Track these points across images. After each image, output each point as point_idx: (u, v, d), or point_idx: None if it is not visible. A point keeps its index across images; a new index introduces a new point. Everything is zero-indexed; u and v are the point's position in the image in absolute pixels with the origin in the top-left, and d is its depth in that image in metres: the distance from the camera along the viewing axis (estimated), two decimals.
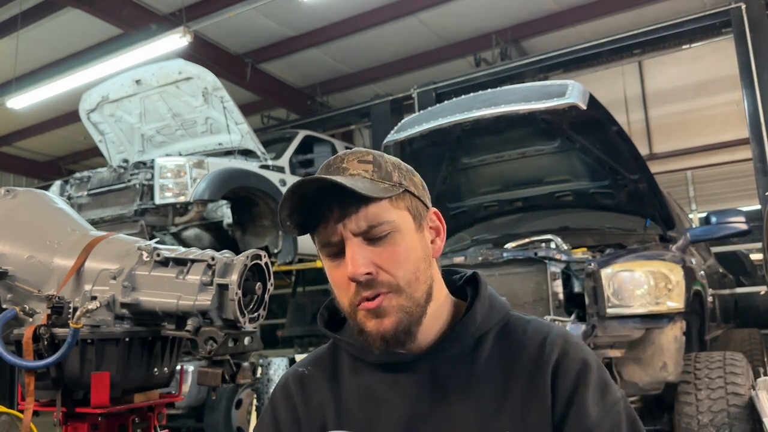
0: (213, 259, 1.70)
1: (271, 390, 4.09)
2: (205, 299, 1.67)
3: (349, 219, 0.96)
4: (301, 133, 6.95)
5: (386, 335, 0.97)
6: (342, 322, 1.13)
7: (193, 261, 1.73)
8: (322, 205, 0.98)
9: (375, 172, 1.00)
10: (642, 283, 3.27)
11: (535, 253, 3.39)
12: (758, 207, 5.87)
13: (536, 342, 1.01)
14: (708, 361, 3.33)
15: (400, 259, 0.97)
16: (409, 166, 1.07)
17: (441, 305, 1.05)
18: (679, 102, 8.48)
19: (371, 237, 0.97)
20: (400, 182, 1.01)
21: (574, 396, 0.96)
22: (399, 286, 0.97)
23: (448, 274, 1.14)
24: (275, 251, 6.03)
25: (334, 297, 1.05)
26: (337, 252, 0.99)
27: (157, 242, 1.88)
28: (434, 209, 1.08)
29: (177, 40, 6.37)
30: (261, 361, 4.17)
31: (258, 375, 4.08)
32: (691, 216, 7.71)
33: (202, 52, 7.56)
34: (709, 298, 4.09)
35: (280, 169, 6.21)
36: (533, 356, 1.00)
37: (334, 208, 0.97)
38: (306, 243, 6.15)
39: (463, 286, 1.12)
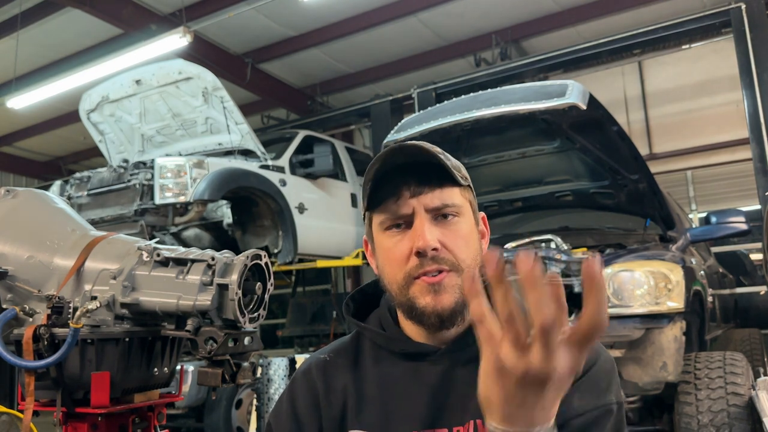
0: (213, 259, 1.70)
1: (272, 390, 4.08)
2: (205, 299, 1.66)
3: (425, 195, 1.00)
4: (301, 133, 6.93)
5: (443, 313, 0.99)
6: (366, 313, 1.16)
7: (193, 261, 1.73)
8: (395, 181, 1.01)
9: (447, 160, 1.03)
10: (642, 283, 3.27)
11: (535, 253, 3.38)
12: (758, 207, 5.87)
13: None
14: (708, 361, 3.33)
15: (463, 243, 1.01)
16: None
17: None
18: (679, 102, 8.48)
19: (440, 216, 1.01)
20: (466, 177, 1.06)
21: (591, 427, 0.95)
22: (459, 267, 1.00)
23: None
24: (275, 251, 6.03)
25: (381, 275, 1.06)
26: (400, 225, 1.02)
27: (157, 242, 1.87)
28: (483, 213, 1.11)
29: (177, 40, 6.36)
30: (261, 361, 4.17)
31: (258, 375, 4.08)
32: (691, 216, 7.70)
33: (202, 52, 7.56)
34: (709, 298, 4.09)
35: (280, 169, 6.20)
36: None
37: (410, 183, 1.01)
38: (306, 243, 6.15)
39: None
